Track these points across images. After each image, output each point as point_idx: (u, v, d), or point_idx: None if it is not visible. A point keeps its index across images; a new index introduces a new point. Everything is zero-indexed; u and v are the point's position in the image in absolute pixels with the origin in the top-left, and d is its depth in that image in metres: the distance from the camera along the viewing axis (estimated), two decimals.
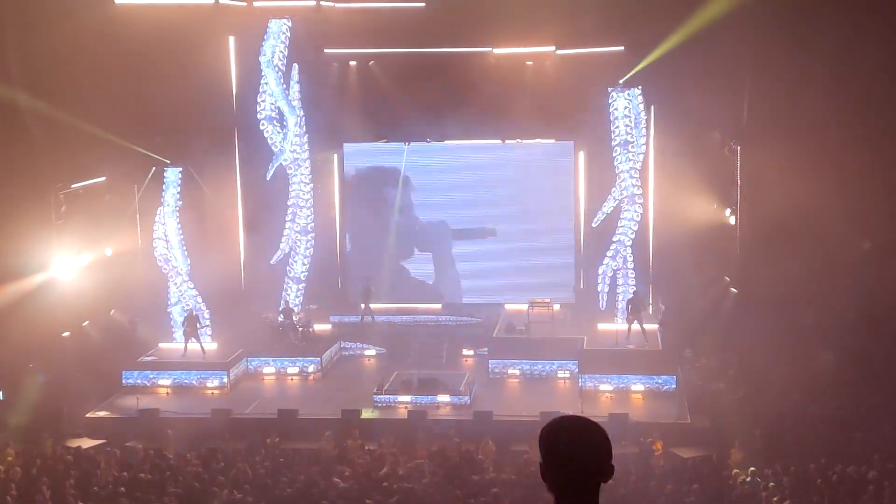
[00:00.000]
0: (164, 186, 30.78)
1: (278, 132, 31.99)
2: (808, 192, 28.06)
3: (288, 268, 33.24)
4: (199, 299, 31.24)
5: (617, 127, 30.56)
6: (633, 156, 30.65)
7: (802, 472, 21.72)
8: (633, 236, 31.17)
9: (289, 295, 33.12)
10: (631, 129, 30.50)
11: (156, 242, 30.90)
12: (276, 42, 31.36)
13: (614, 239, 31.06)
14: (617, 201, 30.72)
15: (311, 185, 33.03)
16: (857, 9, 27.74)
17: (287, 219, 32.92)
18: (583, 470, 4.17)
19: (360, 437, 25.05)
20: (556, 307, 32.23)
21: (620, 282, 31.42)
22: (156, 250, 30.93)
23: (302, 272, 33.25)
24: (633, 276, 31.43)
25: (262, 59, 31.33)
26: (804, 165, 28.10)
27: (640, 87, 30.58)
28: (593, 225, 31.61)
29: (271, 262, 33.11)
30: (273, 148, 32.01)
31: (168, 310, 31.53)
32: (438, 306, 34.37)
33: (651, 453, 23.69)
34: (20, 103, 27.92)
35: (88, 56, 28.09)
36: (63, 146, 29.58)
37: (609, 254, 31.29)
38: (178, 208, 30.85)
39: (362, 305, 33.57)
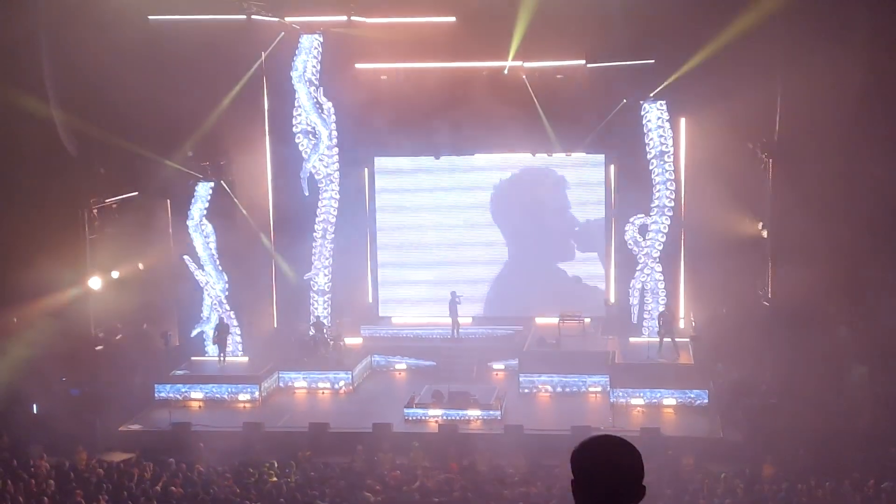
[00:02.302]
0: (192, 200, 31.00)
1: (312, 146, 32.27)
2: (841, 203, 27.88)
3: (311, 282, 33.30)
4: (232, 315, 31.44)
5: (651, 139, 30.73)
6: (668, 166, 30.76)
7: (837, 487, 21.55)
8: (660, 248, 31.18)
9: (316, 308, 33.20)
10: (665, 139, 30.63)
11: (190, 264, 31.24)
12: (307, 57, 31.59)
13: (643, 252, 31.21)
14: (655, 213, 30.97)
15: (338, 199, 33.15)
16: (894, 15, 27.55)
17: (317, 235, 33.03)
18: (614, 491, 4.15)
19: (391, 450, 25.06)
20: (587, 321, 32.16)
21: (651, 296, 31.42)
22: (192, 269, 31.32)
23: (326, 284, 33.31)
24: (664, 289, 31.41)
25: (293, 74, 31.53)
26: (837, 177, 27.91)
27: (664, 101, 30.67)
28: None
29: (304, 278, 33.24)
30: (306, 164, 32.29)
31: (199, 328, 31.70)
32: (469, 319, 34.31)
33: (681, 468, 23.55)
34: (54, 119, 28.18)
35: (121, 72, 28.28)
36: (96, 161, 29.82)
37: (638, 267, 31.38)
38: (201, 223, 31.04)
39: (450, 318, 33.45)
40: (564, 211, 34.30)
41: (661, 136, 30.76)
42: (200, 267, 31.33)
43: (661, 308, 30.81)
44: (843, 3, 27.55)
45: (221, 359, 31.01)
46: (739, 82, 28.96)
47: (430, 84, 32.48)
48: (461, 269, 34.99)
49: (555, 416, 27.71)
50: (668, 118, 30.91)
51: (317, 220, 32.98)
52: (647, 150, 31.06)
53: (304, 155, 32.33)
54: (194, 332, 31.87)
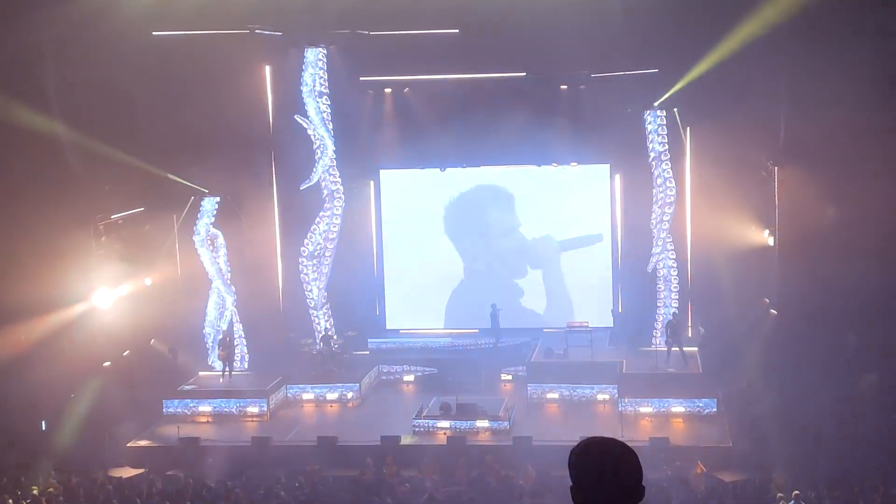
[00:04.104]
0: (198, 215, 31.02)
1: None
2: (847, 211, 27.85)
3: (307, 299, 33.24)
4: (241, 328, 31.46)
5: (651, 141, 30.87)
6: (665, 165, 30.89)
7: (846, 494, 21.47)
8: (670, 218, 31.17)
9: (318, 323, 33.13)
10: (663, 142, 30.76)
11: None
12: (314, 70, 31.64)
13: (655, 232, 31.32)
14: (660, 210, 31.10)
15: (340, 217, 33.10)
16: None
17: (316, 252, 32.98)
18: (613, 491, 4.16)
19: (400, 462, 25.02)
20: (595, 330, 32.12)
21: (664, 283, 31.40)
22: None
23: (320, 296, 33.20)
24: (677, 296, 31.39)
25: (303, 88, 31.57)
26: (843, 184, 27.89)
27: (664, 111, 30.80)
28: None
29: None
30: (313, 175, 32.33)
31: (208, 341, 31.75)
32: (476, 330, 34.30)
33: (690, 477, 23.48)
34: (59, 135, 28.24)
35: (126, 87, 28.38)
36: (102, 177, 29.87)
37: (656, 250, 31.40)
38: (208, 237, 31.05)
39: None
40: (570, 221, 34.27)
41: (661, 139, 30.90)
42: (214, 282, 31.36)
43: (670, 317, 30.75)
44: (848, 12, 27.54)
45: (227, 373, 30.94)
46: (744, 91, 28.99)
47: (435, 96, 32.53)
48: (468, 280, 34.99)
49: (563, 426, 27.66)
50: (665, 124, 30.97)
51: (314, 236, 32.80)
52: (648, 152, 31.16)
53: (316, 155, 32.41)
54: (211, 360, 31.76)
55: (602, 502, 4.17)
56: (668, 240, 31.55)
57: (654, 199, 31.37)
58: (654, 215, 31.44)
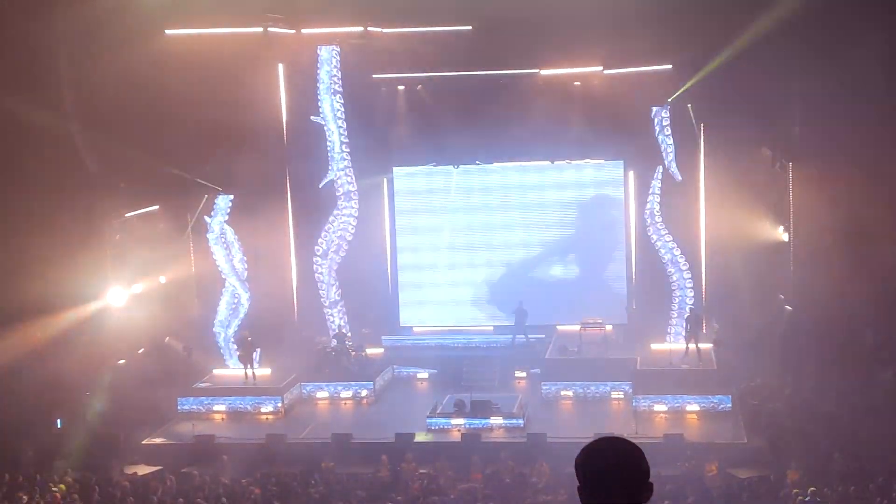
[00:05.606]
0: (212, 213, 31.03)
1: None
2: (863, 207, 27.75)
3: (322, 298, 33.27)
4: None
5: (659, 132, 30.92)
6: (671, 157, 30.97)
7: (862, 491, 21.40)
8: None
9: (333, 321, 33.16)
10: (669, 133, 30.80)
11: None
12: (329, 68, 31.67)
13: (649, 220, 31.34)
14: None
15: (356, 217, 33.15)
16: None
17: (331, 250, 33.00)
18: (618, 491, 4.14)
19: (414, 460, 25.03)
20: (609, 328, 32.06)
21: (672, 266, 31.35)
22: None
23: (335, 294, 33.22)
24: (689, 273, 31.34)
25: (320, 86, 31.61)
26: (858, 180, 27.78)
27: (670, 106, 30.78)
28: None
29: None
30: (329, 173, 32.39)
31: (219, 339, 31.74)
32: (490, 327, 34.31)
33: (704, 474, 23.43)
34: (74, 133, 28.32)
35: (140, 86, 28.43)
36: (116, 175, 29.94)
37: (654, 238, 31.42)
38: (222, 235, 31.05)
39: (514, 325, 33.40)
40: (583, 217, 34.24)
41: (666, 131, 30.94)
42: (228, 280, 31.27)
43: (688, 313, 30.62)
44: (860, 5, 27.45)
45: (250, 373, 30.76)
46: (758, 86, 28.89)
47: (448, 93, 32.50)
48: (482, 278, 34.96)
49: (577, 423, 27.61)
50: (669, 115, 30.96)
51: (328, 235, 32.84)
52: (658, 145, 31.19)
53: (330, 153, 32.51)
54: (230, 361, 31.67)
55: (608, 501, 4.15)
56: (659, 224, 31.46)
57: (661, 190, 31.40)
58: (656, 206, 31.46)
